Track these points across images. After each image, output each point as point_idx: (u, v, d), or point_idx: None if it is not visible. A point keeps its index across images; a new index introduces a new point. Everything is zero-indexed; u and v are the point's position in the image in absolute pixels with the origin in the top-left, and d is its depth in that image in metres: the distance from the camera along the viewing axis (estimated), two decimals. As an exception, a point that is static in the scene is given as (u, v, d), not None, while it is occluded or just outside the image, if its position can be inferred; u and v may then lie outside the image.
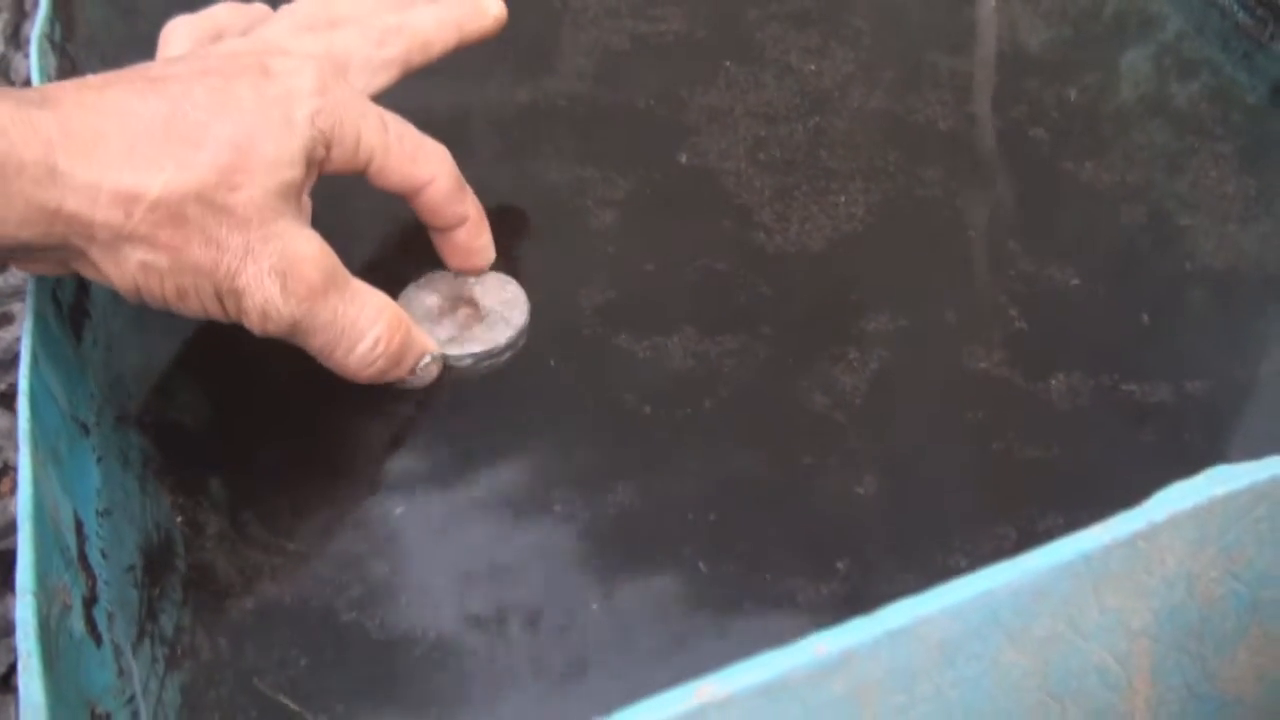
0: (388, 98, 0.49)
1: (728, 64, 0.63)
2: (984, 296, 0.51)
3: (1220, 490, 0.30)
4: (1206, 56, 0.64)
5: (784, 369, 0.47)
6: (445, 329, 0.49)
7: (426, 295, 0.50)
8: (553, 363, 0.48)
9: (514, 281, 0.51)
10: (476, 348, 0.48)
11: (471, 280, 0.51)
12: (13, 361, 0.61)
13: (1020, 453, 0.44)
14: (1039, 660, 0.30)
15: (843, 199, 0.55)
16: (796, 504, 0.43)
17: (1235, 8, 0.64)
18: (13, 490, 0.56)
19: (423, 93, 0.52)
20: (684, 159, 0.57)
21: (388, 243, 0.54)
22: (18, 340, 0.55)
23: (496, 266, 0.51)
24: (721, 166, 0.57)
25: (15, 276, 0.64)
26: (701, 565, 0.41)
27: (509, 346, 0.49)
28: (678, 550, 0.42)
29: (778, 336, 0.49)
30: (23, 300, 0.61)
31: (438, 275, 0.51)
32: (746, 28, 0.66)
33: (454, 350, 0.48)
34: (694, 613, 0.40)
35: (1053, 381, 0.46)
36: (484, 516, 0.43)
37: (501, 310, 0.49)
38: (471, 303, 0.50)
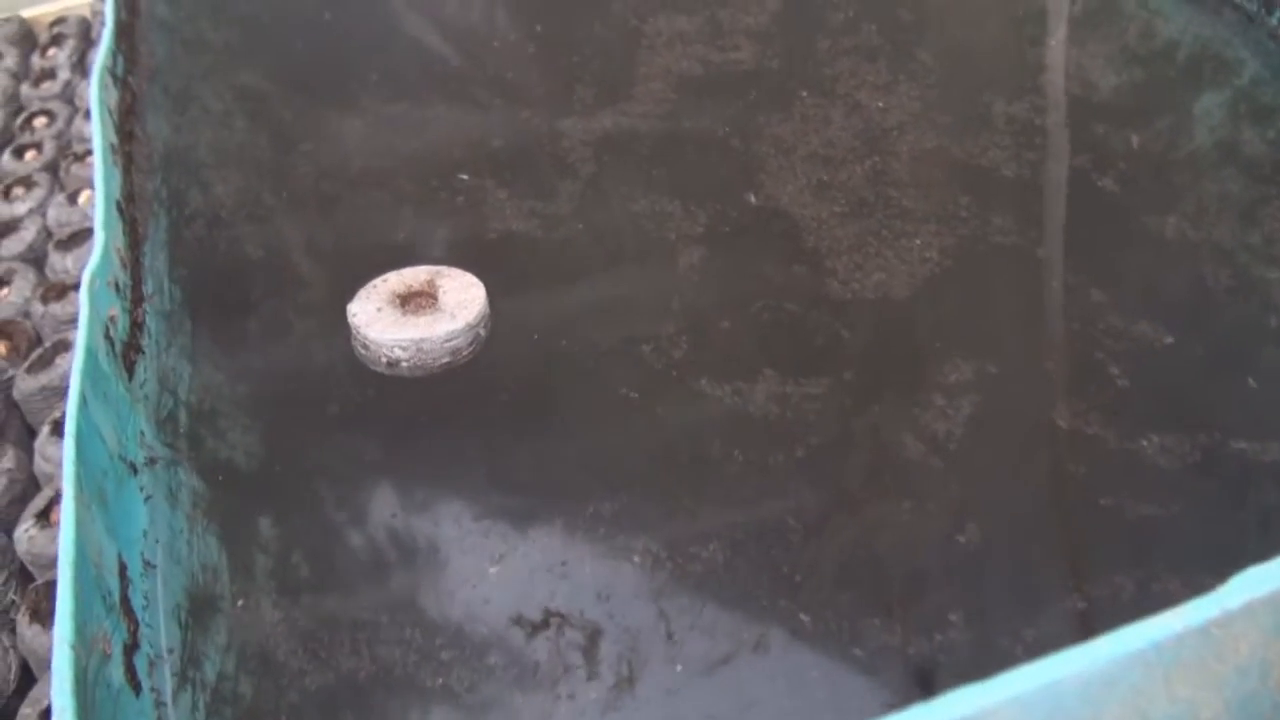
0: (463, 123, 0.50)
1: (803, 94, 0.62)
2: (1074, 349, 0.49)
3: (1301, 575, 0.29)
4: (1284, 103, 0.62)
5: (872, 414, 0.46)
6: (395, 316, 0.50)
7: (395, 283, 0.51)
8: (634, 395, 0.48)
9: (480, 285, 0.51)
10: (411, 334, 0.49)
11: (442, 277, 0.51)
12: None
13: (1132, 510, 0.42)
14: (1106, 751, 0.28)
15: (917, 241, 0.53)
16: (897, 552, 0.42)
17: (1316, 53, 0.63)
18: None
19: (505, 119, 0.52)
20: (753, 199, 0.56)
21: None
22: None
23: (561, 290, 0.51)
24: (794, 211, 0.56)
25: (72, 305, 0.65)
26: (804, 617, 0.40)
27: (447, 339, 0.49)
28: (775, 602, 0.40)
29: (861, 382, 0.48)
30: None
31: (413, 270, 0.52)
32: (816, 61, 0.65)
33: (390, 335, 0.49)
34: (803, 665, 0.39)
35: (1156, 439, 0.44)
36: (570, 567, 0.42)
37: (453, 308, 0.50)
38: (431, 297, 0.51)
